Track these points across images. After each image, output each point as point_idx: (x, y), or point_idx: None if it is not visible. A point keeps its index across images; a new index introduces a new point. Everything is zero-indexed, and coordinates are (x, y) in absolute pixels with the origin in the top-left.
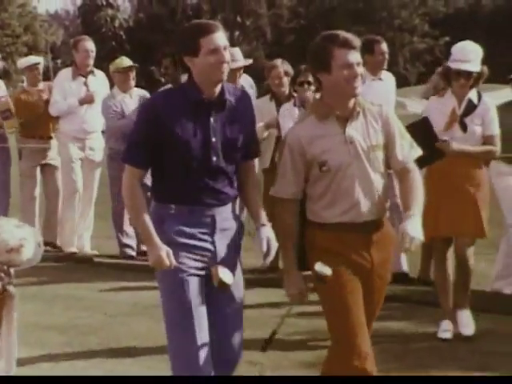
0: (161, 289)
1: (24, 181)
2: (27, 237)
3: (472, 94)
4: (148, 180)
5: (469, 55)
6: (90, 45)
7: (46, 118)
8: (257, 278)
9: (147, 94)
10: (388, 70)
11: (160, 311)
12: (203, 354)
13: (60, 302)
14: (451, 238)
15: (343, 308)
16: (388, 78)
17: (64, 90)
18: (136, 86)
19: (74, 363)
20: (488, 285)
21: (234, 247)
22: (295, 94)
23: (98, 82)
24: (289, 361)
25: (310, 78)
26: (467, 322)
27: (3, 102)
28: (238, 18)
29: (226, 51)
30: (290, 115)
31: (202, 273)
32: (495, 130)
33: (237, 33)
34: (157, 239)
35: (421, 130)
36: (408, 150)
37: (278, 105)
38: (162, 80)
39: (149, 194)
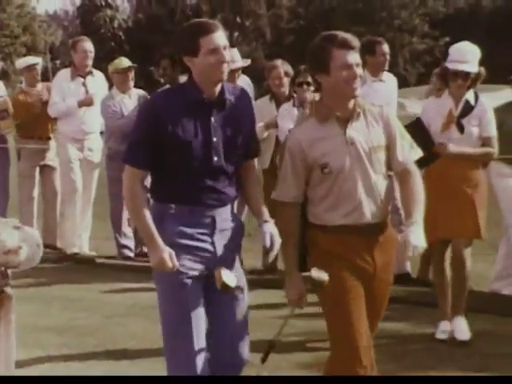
0: (158, 290)
1: (22, 182)
2: (25, 238)
3: (469, 95)
4: (145, 180)
5: (466, 56)
6: (88, 45)
7: (44, 119)
8: (255, 279)
9: (146, 94)
10: (387, 70)
11: (157, 312)
12: (199, 357)
13: (57, 302)
14: (449, 239)
15: (345, 316)
16: (389, 80)
17: (63, 90)
18: (135, 87)
19: (71, 364)
20: (487, 285)
21: (234, 248)
22: (295, 95)
23: (97, 82)
24: (287, 362)
25: (309, 79)
26: (462, 328)
27: (1, 101)
28: (238, 19)
29: (225, 51)
30: (288, 115)
31: (202, 274)
32: (492, 131)
33: (236, 33)
34: (159, 240)
35: (415, 131)
36: (408, 151)
37: (278, 105)
38: (162, 81)
39: (147, 194)
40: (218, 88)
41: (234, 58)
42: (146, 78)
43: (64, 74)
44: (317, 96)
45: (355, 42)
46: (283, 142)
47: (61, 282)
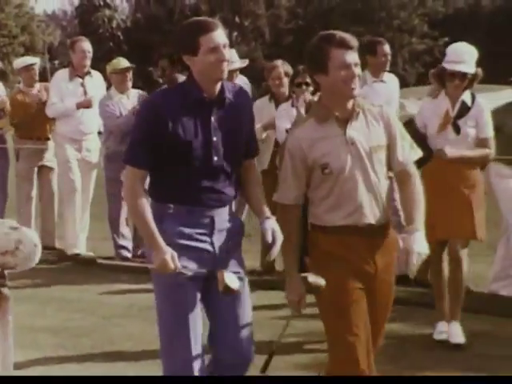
0: (156, 291)
1: (21, 182)
2: (22, 239)
3: (466, 96)
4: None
5: (463, 56)
6: (86, 45)
7: (42, 119)
8: (254, 280)
9: (146, 94)
10: (387, 70)
11: (154, 313)
12: (196, 358)
13: (54, 303)
14: (446, 240)
15: (343, 319)
16: (390, 80)
17: (61, 91)
18: (133, 87)
19: (68, 365)
20: (485, 286)
21: (234, 247)
22: (293, 95)
23: (95, 83)
24: (285, 363)
25: (308, 79)
26: (457, 333)
27: (0, 100)
28: (237, 19)
29: (225, 49)
30: (286, 115)
31: (200, 274)
32: (489, 132)
33: (235, 33)
34: (161, 242)
35: (407, 131)
36: (408, 151)
37: (278, 105)
38: (160, 81)
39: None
40: (218, 87)
41: (232, 59)
42: (144, 78)
43: (62, 74)
44: (316, 97)
45: (353, 41)
46: (283, 142)
47: (58, 282)
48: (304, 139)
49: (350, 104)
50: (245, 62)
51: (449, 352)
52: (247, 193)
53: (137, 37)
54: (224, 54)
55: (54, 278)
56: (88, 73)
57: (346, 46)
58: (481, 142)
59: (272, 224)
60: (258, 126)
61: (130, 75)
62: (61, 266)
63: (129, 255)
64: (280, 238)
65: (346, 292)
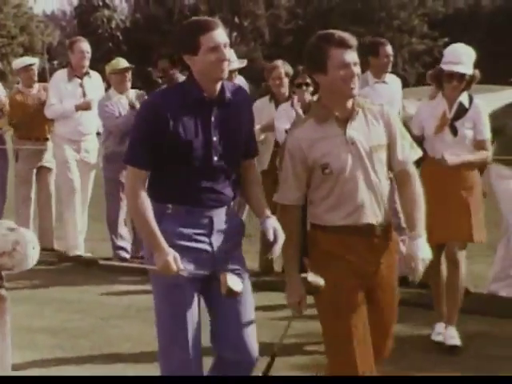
0: (154, 292)
1: (19, 183)
2: (20, 240)
3: (463, 98)
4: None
5: (461, 57)
6: (85, 46)
7: (41, 120)
8: (252, 281)
9: (144, 93)
10: (389, 71)
11: (153, 314)
12: (193, 360)
13: (52, 304)
14: (445, 243)
15: (341, 321)
16: (392, 82)
17: (60, 91)
18: (133, 87)
19: (65, 366)
20: (485, 287)
21: (234, 247)
22: (293, 96)
23: (94, 83)
24: (283, 363)
25: (308, 80)
26: (453, 335)
27: None
28: (236, 19)
29: (226, 48)
30: (286, 116)
31: (199, 275)
32: (487, 134)
33: (234, 34)
34: (163, 243)
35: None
36: (408, 151)
37: (278, 106)
38: (159, 81)
39: None
40: (218, 86)
41: (231, 59)
42: (143, 78)
43: (61, 74)
44: (315, 97)
45: (352, 40)
46: (283, 143)
47: (56, 283)
48: (304, 139)
49: (349, 103)
50: (243, 63)
51: (447, 353)
52: (247, 193)
53: (136, 37)
54: (224, 54)
55: (52, 278)
56: (87, 73)
57: (345, 45)
58: (478, 144)
59: (273, 223)
60: (256, 127)
61: (129, 75)
62: (59, 267)
63: (127, 256)
64: (282, 236)
65: (345, 292)
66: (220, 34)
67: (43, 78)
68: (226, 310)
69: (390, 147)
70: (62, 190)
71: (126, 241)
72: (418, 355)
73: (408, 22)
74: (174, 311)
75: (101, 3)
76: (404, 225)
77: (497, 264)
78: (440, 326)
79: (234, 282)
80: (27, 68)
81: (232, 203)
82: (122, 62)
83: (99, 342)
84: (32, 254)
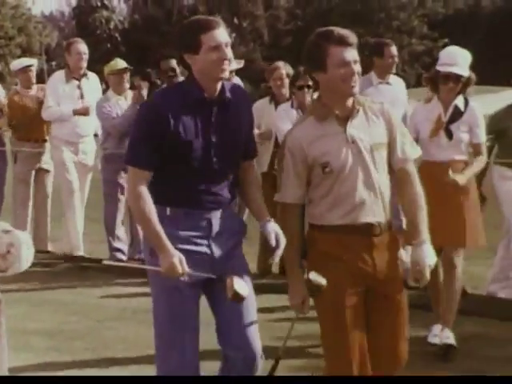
0: (153, 293)
1: (18, 185)
2: (14, 242)
3: (459, 101)
4: (123, 180)
5: (457, 59)
6: (82, 47)
7: (40, 121)
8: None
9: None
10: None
11: (149, 316)
12: (190, 364)
13: (48, 306)
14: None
15: (339, 326)
16: (397, 83)
17: (57, 93)
18: (130, 88)
19: (60, 368)
20: (484, 288)
21: (234, 247)
22: (293, 96)
23: (91, 85)
24: (281, 365)
25: (310, 82)
26: (448, 336)
27: None
28: (235, 20)
29: (227, 48)
30: (286, 116)
31: (199, 277)
32: (483, 137)
33: (233, 35)
34: (169, 245)
35: None
36: (409, 149)
37: (278, 107)
38: (158, 82)
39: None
40: (219, 86)
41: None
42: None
43: (58, 76)
44: (315, 95)
45: (352, 38)
46: (282, 142)
47: (52, 285)
48: (304, 137)
49: (349, 102)
50: (240, 63)
51: (443, 354)
52: (246, 195)
53: (134, 38)
54: (226, 53)
55: (47, 280)
56: (84, 75)
57: (344, 43)
58: (474, 148)
59: (274, 227)
60: (256, 131)
61: (127, 76)
62: (55, 269)
63: (124, 258)
64: (283, 241)
65: (343, 294)
66: (221, 33)
67: (41, 79)
68: (229, 309)
69: (391, 145)
70: (62, 191)
71: (122, 242)
72: (416, 356)
73: (408, 22)
74: (173, 313)
75: (99, 4)
76: (405, 226)
77: (496, 265)
78: (437, 328)
79: (240, 285)
80: (25, 69)
81: (232, 204)
82: (120, 63)
83: (95, 344)
84: (26, 256)
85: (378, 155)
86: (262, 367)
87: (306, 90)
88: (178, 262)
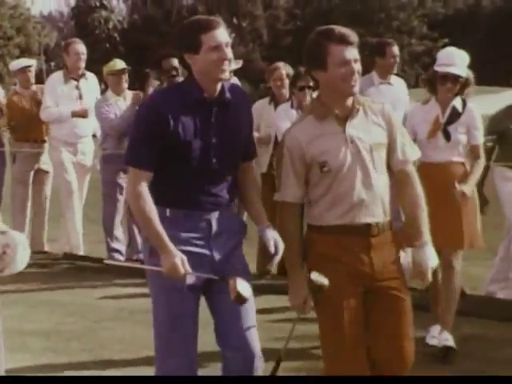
0: (152, 294)
1: (16, 185)
2: (10, 243)
3: (456, 102)
4: (122, 180)
5: (455, 59)
6: (80, 47)
7: (38, 121)
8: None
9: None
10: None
11: (146, 316)
12: (188, 365)
13: (45, 307)
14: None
15: (338, 328)
16: (398, 84)
17: (56, 94)
18: (130, 89)
19: (57, 369)
20: (483, 289)
21: (234, 247)
22: (293, 96)
23: (90, 85)
24: (282, 365)
25: (311, 83)
26: (447, 338)
27: None
28: (234, 20)
29: (228, 48)
30: (286, 116)
31: (198, 279)
32: (481, 139)
33: (233, 35)
34: (170, 245)
35: None
36: (409, 150)
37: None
38: (157, 82)
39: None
40: (219, 87)
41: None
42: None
43: (57, 76)
44: (314, 94)
45: (353, 36)
46: (280, 142)
47: (48, 285)
48: (302, 136)
49: (349, 101)
50: (239, 63)
51: (442, 355)
52: (244, 198)
53: (133, 38)
54: (226, 53)
55: (44, 281)
56: (83, 75)
57: (345, 41)
58: (472, 149)
59: (273, 233)
60: (255, 134)
61: (125, 77)
62: (52, 270)
63: (122, 258)
64: (282, 247)
65: (341, 295)
66: (222, 33)
67: (40, 79)
68: (228, 309)
69: (390, 146)
70: (61, 191)
71: (120, 243)
72: (415, 357)
73: (407, 22)
74: (172, 314)
75: (98, 4)
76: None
77: (496, 265)
78: (435, 329)
79: (243, 287)
80: (24, 70)
81: (231, 205)
82: (118, 64)
83: (91, 345)
84: (22, 257)
85: (377, 155)
86: (262, 368)
87: (307, 90)
88: (180, 262)
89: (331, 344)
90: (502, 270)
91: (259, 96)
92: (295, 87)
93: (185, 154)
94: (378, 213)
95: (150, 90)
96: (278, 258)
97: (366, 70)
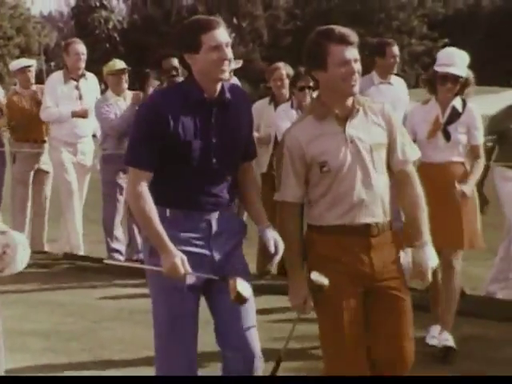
0: (152, 294)
1: (16, 185)
2: (10, 243)
3: (456, 102)
4: (122, 181)
5: (455, 59)
6: (80, 47)
7: (38, 121)
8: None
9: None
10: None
11: (145, 317)
12: (188, 365)
13: (44, 307)
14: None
15: (338, 329)
16: (398, 84)
17: (56, 94)
18: (130, 89)
19: (57, 369)
20: (483, 289)
21: (234, 247)
22: (293, 97)
23: (90, 85)
24: (282, 365)
25: (312, 83)
26: (447, 338)
27: None
28: (234, 20)
29: (228, 48)
30: (286, 116)
31: (198, 279)
32: (481, 139)
33: (233, 35)
34: (170, 245)
35: None
36: (409, 150)
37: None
38: (157, 82)
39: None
40: (219, 87)
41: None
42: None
43: (57, 76)
44: (314, 94)
45: (353, 36)
46: (280, 142)
47: (48, 286)
48: (302, 136)
49: (349, 101)
50: (239, 63)
51: (444, 355)
52: (244, 198)
53: (133, 38)
54: (226, 53)
55: (44, 281)
56: (83, 75)
57: (345, 41)
58: (472, 149)
59: (273, 233)
60: (255, 134)
61: (125, 77)
62: (52, 270)
63: (122, 258)
64: (282, 248)
65: (341, 296)
66: (222, 33)
67: (40, 79)
68: (227, 309)
69: (390, 146)
70: (61, 191)
71: (120, 243)
72: (415, 357)
73: (407, 22)
74: (172, 314)
75: (98, 4)
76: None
77: (496, 266)
78: (435, 329)
79: (243, 287)
80: (24, 70)
81: (231, 205)
82: (118, 64)
83: (91, 345)
84: (22, 257)
85: (377, 155)
86: (262, 368)
87: (307, 91)
88: (180, 262)
89: (331, 344)
90: (502, 270)
91: (259, 96)
92: (295, 87)
93: (185, 154)
94: (377, 213)
95: (150, 90)
96: (278, 258)
97: (365, 70)
